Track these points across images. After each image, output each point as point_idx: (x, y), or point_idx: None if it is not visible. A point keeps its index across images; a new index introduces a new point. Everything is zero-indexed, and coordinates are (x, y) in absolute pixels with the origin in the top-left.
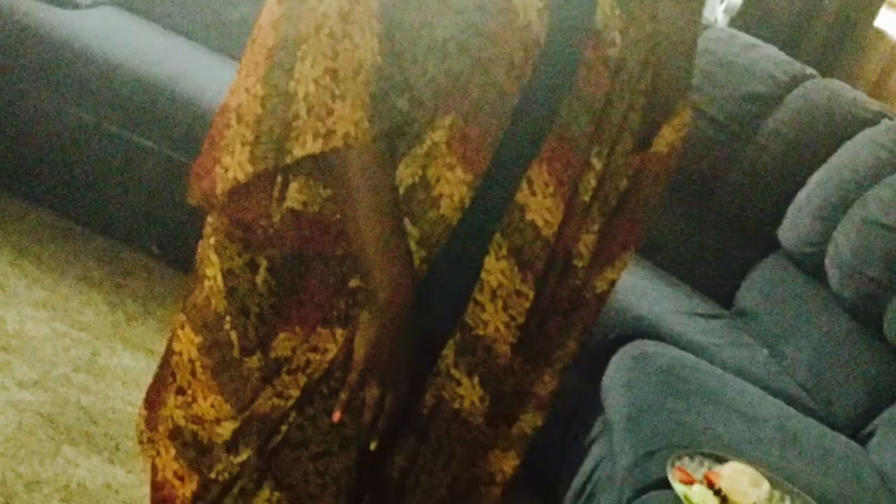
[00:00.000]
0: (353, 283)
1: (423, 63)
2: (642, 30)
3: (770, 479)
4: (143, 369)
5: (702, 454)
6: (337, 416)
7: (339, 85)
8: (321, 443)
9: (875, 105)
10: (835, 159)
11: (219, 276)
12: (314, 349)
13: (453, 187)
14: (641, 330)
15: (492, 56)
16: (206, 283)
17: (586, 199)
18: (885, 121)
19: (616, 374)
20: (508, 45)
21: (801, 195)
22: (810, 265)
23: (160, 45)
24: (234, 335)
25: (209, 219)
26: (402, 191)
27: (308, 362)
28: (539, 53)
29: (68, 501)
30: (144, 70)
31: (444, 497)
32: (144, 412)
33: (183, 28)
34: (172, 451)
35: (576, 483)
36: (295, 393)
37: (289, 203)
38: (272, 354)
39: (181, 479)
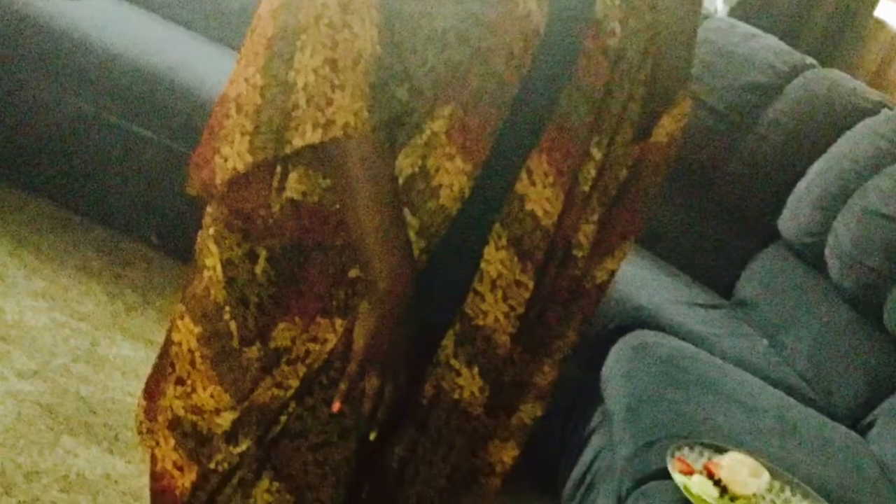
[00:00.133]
0: (353, 273)
1: (423, 53)
2: (642, 19)
3: (770, 470)
4: (143, 359)
5: (701, 444)
6: (336, 406)
7: (339, 75)
8: (321, 433)
9: (875, 95)
10: (835, 149)
11: (218, 267)
12: (314, 339)
13: (453, 177)
14: (641, 320)
15: (491, 46)
16: (206, 274)
17: (586, 188)
18: (885, 111)
19: (616, 364)
20: (508, 35)
21: (801, 185)
22: (810, 255)
23: (159, 34)
24: (233, 325)
25: (208, 209)
26: (401, 181)
27: (307, 352)
28: (539, 43)
29: (67, 492)
30: (144, 60)
31: (443, 487)
32: (144, 402)
33: (182, 18)
34: (172, 442)
35: (575, 473)
36: (294, 383)
37: (288, 193)
38: (271, 344)
39: (180, 469)
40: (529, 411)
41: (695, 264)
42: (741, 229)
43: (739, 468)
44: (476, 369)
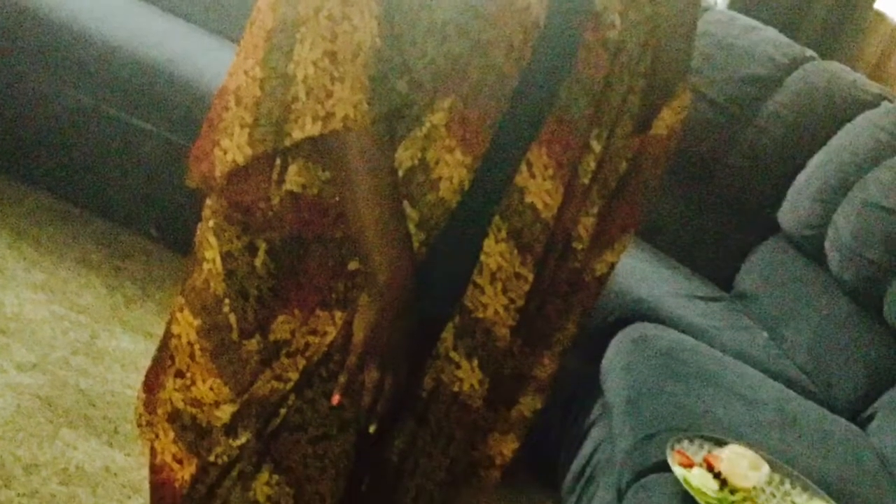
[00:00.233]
0: (353, 265)
1: (423, 45)
2: (642, 12)
3: (770, 462)
4: (142, 352)
5: (701, 437)
6: (336, 399)
7: (338, 67)
8: (320, 426)
9: (875, 87)
10: (835, 142)
11: (218, 259)
12: (313, 332)
13: (452, 170)
14: (641, 313)
15: (491, 38)
16: (205, 266)
17: (586, 181)
18: (885, 103)
19: (615, 356)
20: (508, 28)
21: (801, 178)
22: (810, 248)
23: (159, 27)
24: (232, 318)
25: (208, 201)
26: (401, 173)
27: (307, 345)
28: (538, 36)
29: (67, 484)
30: (143, 52)
31: (443, 480)
32: (143, 395)
33: (181, 10)
34: (171, 435)
35: (575, 466)
36: (294, 376)
37: (288, 186)
38: (271, 337)
39: (180, 462)
40: (529, 404)
41: (695, 257)
42: (741, 222)
43: (739, 461)
44: (476, 362)
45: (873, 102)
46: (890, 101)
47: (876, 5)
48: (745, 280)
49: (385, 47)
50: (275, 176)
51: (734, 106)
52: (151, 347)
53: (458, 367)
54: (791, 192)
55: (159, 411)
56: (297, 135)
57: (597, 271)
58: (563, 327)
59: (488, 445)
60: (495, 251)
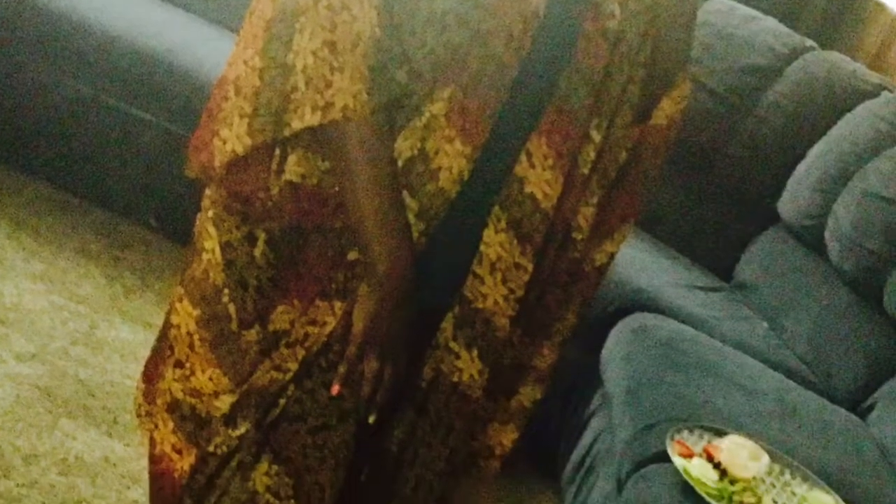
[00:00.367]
0: (352, 255)
1: (422, 35)
2: (641, 2)
3: (769, 453)
4: (141, 342)
5: (701, 427)
6: (335, 389)
7: (338, 57)
8: (320, 416)
9: (875, 77)
10: (834, 132)
11: (217, 249)
12: (312, 322)
13: (452, 160)
14: (641, 303)
15: (491, 28)
16: (205, 256)
17: (585, 171)
18: (885, 93)
19: (615, 347)
20: (507, 17)
21: (801, 168)
22: (810, 238)
23: (158, 17)
24: (232, 308)
25: (207, 191)
26: (400, 163)
27: (306, 335)
28: (538, 25)
29: (66, 475)
30: (142, 42)
31: (442, 470)
32: (142, 385)
33: (181, 0)
34: (170, 425)
35: (575, 456)
36: (293, 366)
37: (287, 176)
38: (270, 327)
39: (179, 452)
40: (529, 394)
41: (694, 247)
42: (741, 212)
43: (739, 451)
44: (475, 352)
45: (873, 92)
46: (890, 90)
47: None
48: (745, 270)
49: (384, 37)
50: (274, 166)
51: (734, 96)
52: (151, 337)
53: (458, 357)
54: (791, 182)
55: (158, 401)
56: (297, 125)
57: (596, 261)
58: (562, 317)
59: (488, 436)
60: (495, 241)
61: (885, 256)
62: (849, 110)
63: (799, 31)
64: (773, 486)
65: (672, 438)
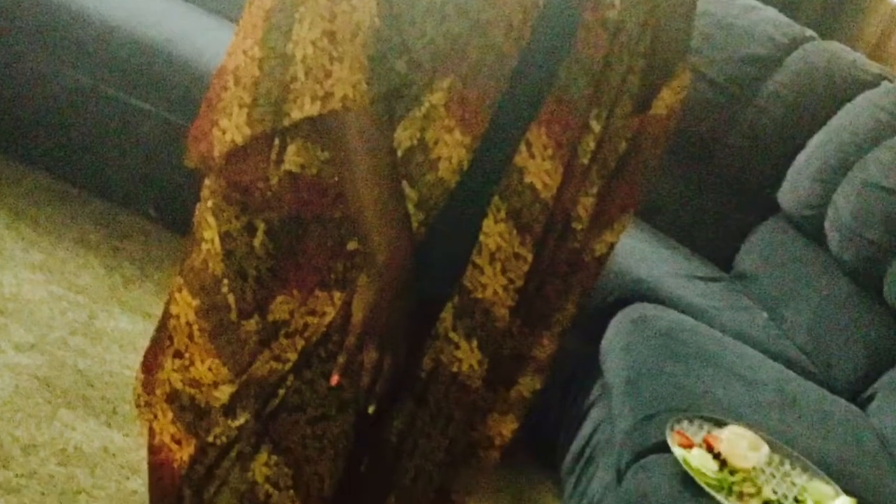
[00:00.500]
0: (351, 245)
1: (422, 25)
2: None
3: (769, 443)
4: (141, 332)
5: (701, 418)
6: (335, 379)
7: (337, 47)
8: (319, 406)
9: (875, 67)
10: (834, 122)
11: (216, 239)
12: (312, 312)
13: (452, 150)
14: (640, 293)
15: (490, 18)
16: (204, 246)
17: (585, 161)
18: (885, 83)
19: (615, 337)
20: (507, 7)
21: (801, 158)
22: (810, 228)
23: (157, 6)
24: (231, 298)
25: (207, 181)
26: (400, 153)
27: (306, 325)
28: (538, 15)
29: (65, 465)
30: (141, 32)
31: (442, 460)
32: (142, 375)
33: None
34: (170, 415)
35: (574, 447)
36: (293, 356)
37: (286, 166)
38: (270, 318)
39: (178, 442)
40: (528, 384)
41: (694, 237)
42: (741, 202)
43: (739, 441)
44: (475, 342)
45: (873, 82)
46: (890, 80)
47: None
48: (745, 260)
49: (384, 27)
50: (273, 156)
51: (734, 86)
52: (150, 328)
53: (458, 347)
54: (791, 173)
55: (158, 392)
56: (296, 115)
57: (596, 251)
58: (562, 308)
59: (487, 426)
60: (494, 231)
61: (885, 246)
62: (849, 100)
63: (799, 20)
64: (773, 477)
65: (672, 429)
